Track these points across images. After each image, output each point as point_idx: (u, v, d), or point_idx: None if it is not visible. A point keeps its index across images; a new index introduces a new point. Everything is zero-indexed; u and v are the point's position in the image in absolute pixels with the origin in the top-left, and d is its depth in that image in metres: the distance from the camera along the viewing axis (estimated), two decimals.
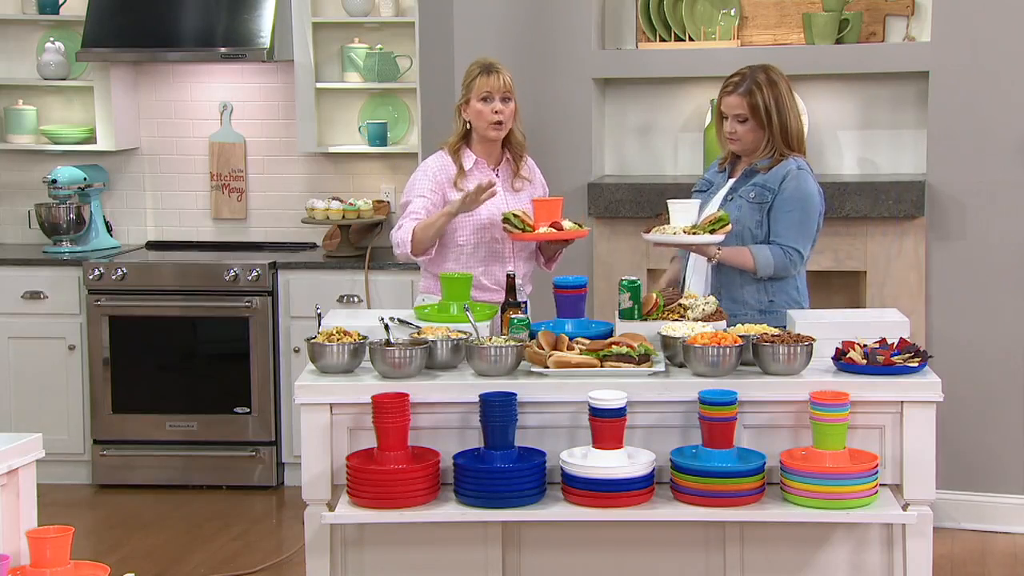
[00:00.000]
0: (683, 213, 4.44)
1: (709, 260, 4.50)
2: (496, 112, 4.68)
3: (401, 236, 4.65)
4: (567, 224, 4.61)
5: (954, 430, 5.46)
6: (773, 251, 4.52)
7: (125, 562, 5.37)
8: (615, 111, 6.12)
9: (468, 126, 4.76)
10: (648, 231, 4.47)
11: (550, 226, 4.58)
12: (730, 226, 4.40)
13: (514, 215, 4.58)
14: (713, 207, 4.62)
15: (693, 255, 4.64)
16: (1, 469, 3.08)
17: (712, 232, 4.37)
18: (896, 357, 3.81)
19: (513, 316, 4.05)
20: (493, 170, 4.80)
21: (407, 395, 3.73)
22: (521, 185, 4.81)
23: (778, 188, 4.54)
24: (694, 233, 4.37)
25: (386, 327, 3.95)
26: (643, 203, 5.71)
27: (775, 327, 4.08)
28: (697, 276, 4.66)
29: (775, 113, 4.57)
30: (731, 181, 4.67)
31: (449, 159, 4.77)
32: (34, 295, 6.44)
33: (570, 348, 3.90)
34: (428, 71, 5.96)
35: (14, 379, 6.45)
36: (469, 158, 4.77)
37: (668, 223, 4.47)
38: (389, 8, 6.57)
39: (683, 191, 4.99)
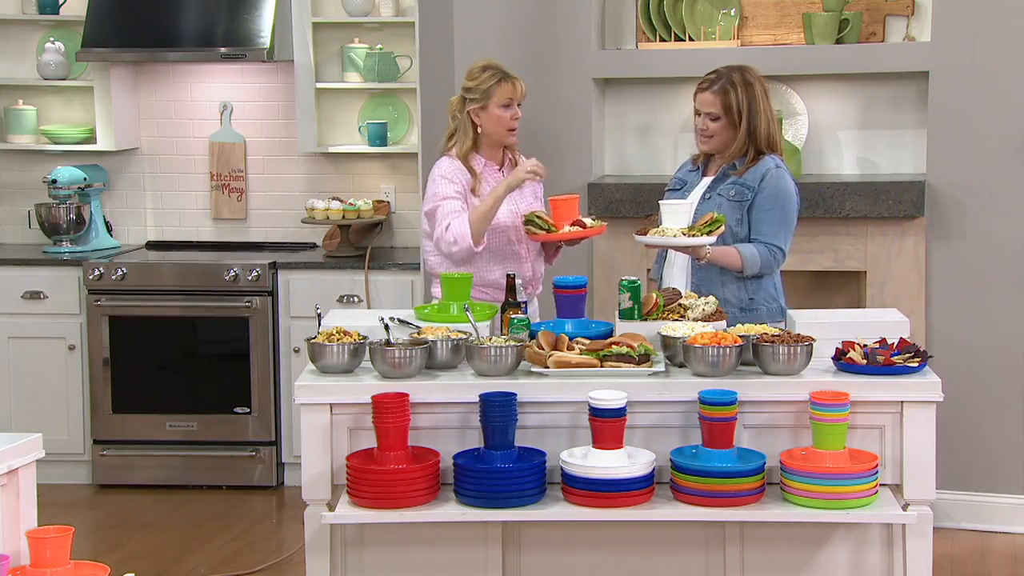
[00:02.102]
0: (674, 214, 4.44)
1: (699, 260, 4.51)
2: (514, 119, 4.74)
3: (459, 230, 4.63)
4: (587, 221, 4.66)
5: (954, 430, 5.46)
6: (759, 249, 4.55)
7: (125, 562, 5.37)
8: (615, 111, 6.12)
9: (478, 130, 4.77)
10: (643, 232, 4.46)
11: (572, 224, 4.61)
12: (724, 227, 4.41)
13: (537, 216, 4.63)
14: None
15: (672, 253, 4.66)
16: (1, 469, 3.08)
17: (709, 233, 4.38)
18: (896, 357, 3.81)
19: (513, 316, 4.05)
20: (499, 171, 4.82)
21: (407, 395, 3.73)
22: None
23: (758, 186, 4.59)
24: (693, 235, 4.38)
25: (386, 327, 3.95)
26: (643, 203, 5.70)
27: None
28: (678, 274, 4.66)
29: (746, 114, 4.61)
30: (707, 179, 4.70)
31: (459, 164, 4.77)
32: (34, 295, 6.44)
33: (570, 348, 3.90)
34: (428, 71, 5.96)
35: (14, 379, 6.45)
36: (479, 163, 4.79)
37: (657, 224, 4.47)
38: (389, 8, 6.57)
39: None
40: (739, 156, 4.63)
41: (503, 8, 5.91)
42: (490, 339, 3.94)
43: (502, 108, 4.73)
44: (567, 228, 4.63)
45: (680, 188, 4.75)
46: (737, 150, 4.63)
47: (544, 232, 4.63)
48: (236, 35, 6.43)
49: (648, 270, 5.70)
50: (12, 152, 6.96)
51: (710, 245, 4.44)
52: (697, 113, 4.70)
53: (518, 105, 4.77)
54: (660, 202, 4.53)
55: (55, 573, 2.96)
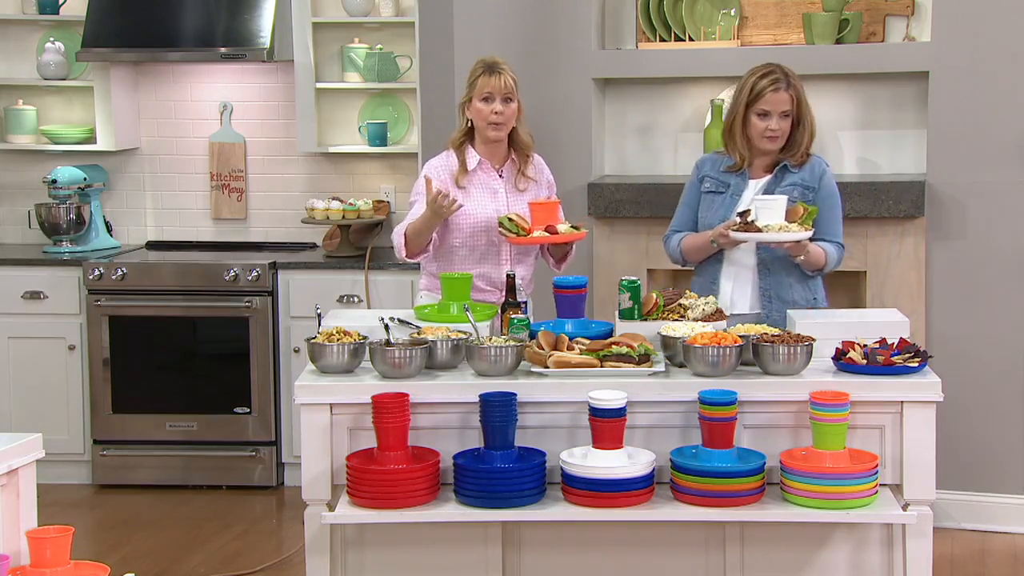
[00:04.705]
0: (770, 210, 4.44)
1: (795, 256, 4.49)
2: (496, 113, 4.69)
3: (396, 240, 4.68)
4: (563, 227, 4.59)
5: (954, 430, 5.46)
6: (836, 247, 4.61)
7: (125, 562, 5.37)
8: (615, 111, 6.11)
9: (470, 124, 4.77)
10: (744, 229, 4.41)
11: (544, 229, 4.57)
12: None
13: (508, 219, 4.57)
14: (740, 208, 4.57)
15: (735, 258, 4.59)
16: (1, 469, 3.08)
17: (807, 228, 4.42)
18: (896, 357, 3.82)
19: (513, 316, 4.05)
20: (497, 170, 4.80)
21: (407, 395, 3.73)
22: (526, 185, 4.80)
23: (818, 185, 4.59)
24: (806, 228, 4.39)
25: (386, 327, 3.95)
26: (643, 203, 5.70)
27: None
28: (740, 284, 4.61)
29: (807, 107, 4.62)
30: (756, 182, 4.64)
31: (453, 156, 4.78)
32: (34, 295, 6.44)
33: (570, 348, 3.90)
34: (428, 71, 5.96)
35: (14, 379, 6.45)
36: (473, 157, 4.77)
37: (744, 222, 4.42)
38: (389, 8, 6.57)
39: (681, 191, 4.95)
40: (795, 152, 4.60)
41: (503, 8, 5.90)
42: (490, 339, 3.94)
43: (482, 102, 4.70)
44: (537, 233, 4.59)
45: (724, 191, 4.67)
46: (807, 147, 4.61)
47: (515, 235, 4.58)
48: (236, 35, 6.43)
49: (648, 270, 5.71)
50: (12, 152, 6.96)
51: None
52: (762, 114, 4.56)
53: (505, 100, 4.69)
54: (755, 198, 4.51)
55: (55, 573, 2.96)
